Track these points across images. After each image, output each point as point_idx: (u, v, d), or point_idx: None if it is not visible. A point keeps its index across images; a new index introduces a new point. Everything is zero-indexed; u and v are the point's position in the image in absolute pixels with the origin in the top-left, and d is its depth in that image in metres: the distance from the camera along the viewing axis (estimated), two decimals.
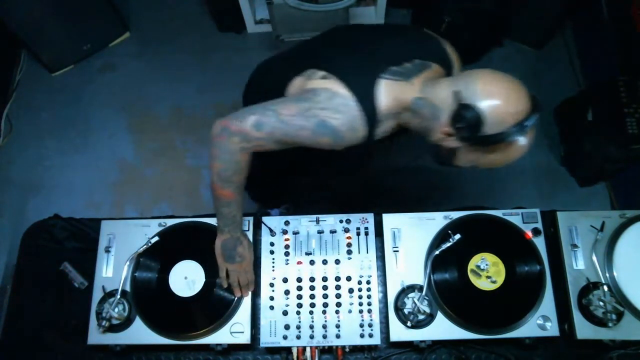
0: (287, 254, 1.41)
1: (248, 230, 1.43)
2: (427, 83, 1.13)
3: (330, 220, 1.44)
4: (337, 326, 1.34)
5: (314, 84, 1.15)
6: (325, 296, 1.37)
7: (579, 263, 1.39)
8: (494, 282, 1.36)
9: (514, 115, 0.99)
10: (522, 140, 1.03)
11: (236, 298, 1.36)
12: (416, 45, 1.22)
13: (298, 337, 1.34)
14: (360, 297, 1.37)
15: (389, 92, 1.11)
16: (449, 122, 1.05)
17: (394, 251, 1.41)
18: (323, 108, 1.10)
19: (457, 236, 1.34)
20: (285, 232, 1.44)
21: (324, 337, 1.34)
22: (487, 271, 1.36)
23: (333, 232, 1.43)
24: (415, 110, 1.14)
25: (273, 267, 1.40)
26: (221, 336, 1.34)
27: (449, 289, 1.37)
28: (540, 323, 1.33)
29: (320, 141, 1.14)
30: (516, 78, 1.04)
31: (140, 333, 1.35)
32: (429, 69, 1.17)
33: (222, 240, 1.31)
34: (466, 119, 1.01)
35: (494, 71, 1.05)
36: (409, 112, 1.16)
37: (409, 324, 1.31)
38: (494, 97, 0.99)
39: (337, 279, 1.38)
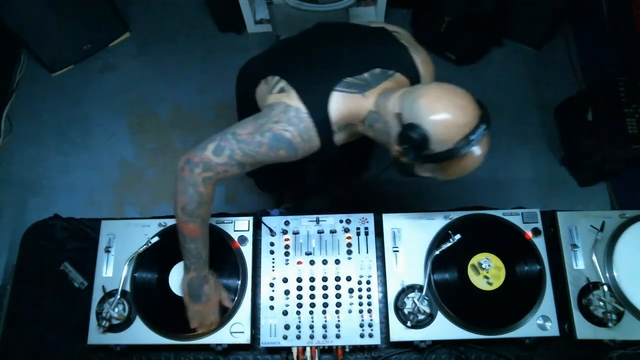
0: (287, 254, 1.42)
1: (247, 229, 1.43)
2: (382, 95, 1.12)
3: (330, 220, 1.44)
4: (337, 326, 1.34)
5: (273, 98, 1.17)
6: (325, 296, 1.37)
7: (579, 263, 1.39)
8: (490, 283, 1.36)
9: (460, 130, 0.98)
10: (475, 151, 1.01)
11: (235, 299, 1.35)
12: (379, 53, 1.19)
13: (298, 337, 1.34)
14: (360, 297, 1.37)
15: (341, 105, 1.11)
16: (397, 141, 1.05)
17: (394, 251, 1.41)
18: (277, 121, 1.11)
19: (457, 236, 1.34)
20: (285, 232, 1.44)
21: (324, 337, 1.34)
22: (487, 271, 1.36)
23: (333, 232, 1.43)
24: (369, 124, 1.15)
25: (273, 267, 1.40)
26: (221, 336, 1.34)
27: (449, 289, 1.37)
28: (540, 323, 1.33)
29: (279, 154, 1.14)
30: (461, 88, 1.02)
31: (140, 333, 1.35)
32: (390, 78, 1.15)
33: (188, 278, 1.27)
34: (411, 139, 1.00)
35: (439, 85, 1.03)
36: (365, 124, 1.17)
37: (409, 324, 1.31)
38: (437, 114, 0.98)
39: (337, 279, 1.38)
